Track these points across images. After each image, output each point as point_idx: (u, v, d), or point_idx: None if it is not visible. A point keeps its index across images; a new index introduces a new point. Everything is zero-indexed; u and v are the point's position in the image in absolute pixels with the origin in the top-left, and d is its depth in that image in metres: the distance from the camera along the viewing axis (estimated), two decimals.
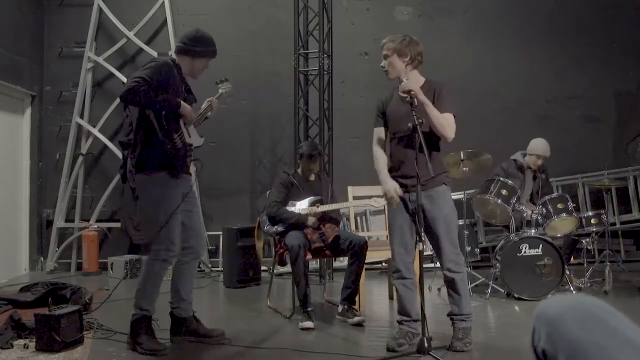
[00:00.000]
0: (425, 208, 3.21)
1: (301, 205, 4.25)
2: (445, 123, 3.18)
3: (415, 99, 3.09)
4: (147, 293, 3.27)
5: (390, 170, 3.37)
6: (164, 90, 3.16)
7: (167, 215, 3.19)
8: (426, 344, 3.03)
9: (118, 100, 6.05)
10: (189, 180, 3.43)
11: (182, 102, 3.23)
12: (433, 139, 3.27)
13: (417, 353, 3.06)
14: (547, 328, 0.91)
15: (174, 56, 3.45)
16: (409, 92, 3.11)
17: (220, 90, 3.66)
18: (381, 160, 3.40)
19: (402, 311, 3.38)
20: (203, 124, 3.56)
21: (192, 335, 3.45)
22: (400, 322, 3.38)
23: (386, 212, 4.95)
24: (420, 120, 3.05)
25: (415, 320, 3.35)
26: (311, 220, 4.13)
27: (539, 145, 5.08)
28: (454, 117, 3.23)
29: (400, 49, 3.25)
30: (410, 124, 3.05)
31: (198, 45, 3.36)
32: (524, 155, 5.15)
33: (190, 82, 3.49)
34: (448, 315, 3.40)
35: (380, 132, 3.45)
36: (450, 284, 3.31)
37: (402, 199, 3.30)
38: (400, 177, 3.31)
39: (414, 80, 3.23)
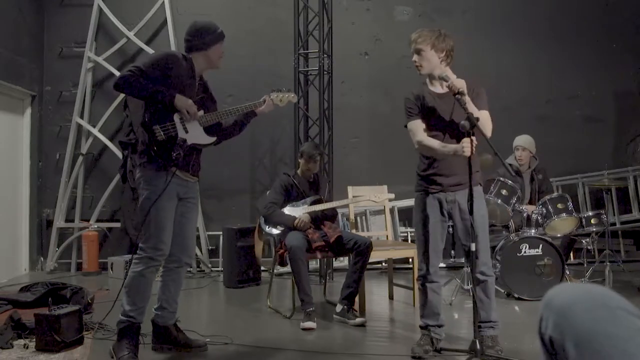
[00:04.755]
0: (462, 208, 3.12)
1: (301, 207, 4.25)
2: (486, 122, 3.05)
3: (462, 97, 2.94)
4: (131, 297, 3.07)
5: (425, 169, 3.20)
6: (163, 81, 3.05)
7: (157, 210, 3.03)
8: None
9: (118, 100, 6.07)
10: (189, 182, 3.26)
11: (180, 95, 3.06)
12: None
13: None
14: (555, 316, 0.90)
15: (184, 53, 3.28)
16: (458, 89, 2.96)
17: (271, 96, 3.62)
18: (431, 140, 3.12)
19: (427, 316, 3.24)
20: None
21: (172, 345, 3.31)
22: (424, 328, 3.24)
23: (386, 212, 4.97)
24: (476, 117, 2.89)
25: (440, 326, 3.24)
26: (303, 218, 4.11)
27: (520, 138, 5.14)
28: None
29: (437, 44, 3.10)
30: (463, 123, 2.88)
31: (205, 36, 3.22)
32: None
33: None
34: (475, 322, 3.25)
35: (419, 123, 3.17)
36: (483, 287, 3.18)
37: (437, 199, 3.17)
38: (435, 175, 3.15)
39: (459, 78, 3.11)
